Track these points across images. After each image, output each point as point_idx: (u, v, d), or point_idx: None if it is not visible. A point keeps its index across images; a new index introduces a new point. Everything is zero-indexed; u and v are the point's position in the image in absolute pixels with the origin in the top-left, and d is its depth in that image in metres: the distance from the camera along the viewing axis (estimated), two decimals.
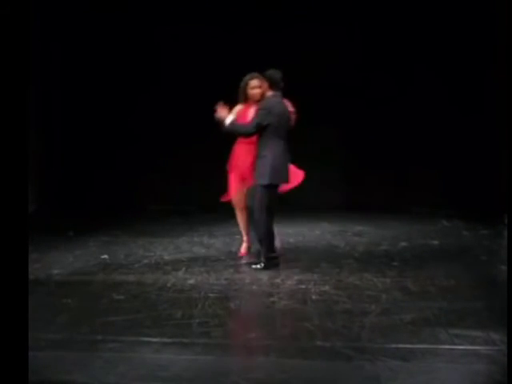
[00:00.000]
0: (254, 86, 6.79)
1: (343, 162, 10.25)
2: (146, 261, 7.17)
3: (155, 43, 10.05)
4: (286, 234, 8.22)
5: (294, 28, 9.77)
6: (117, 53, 10.17)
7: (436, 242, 7.93)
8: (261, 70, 6.78)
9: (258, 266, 6.73)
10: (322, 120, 9.77)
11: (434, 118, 9.85)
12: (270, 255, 6.76)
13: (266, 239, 6.73)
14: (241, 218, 7.14)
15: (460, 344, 4.64)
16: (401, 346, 4.63)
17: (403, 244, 7.84)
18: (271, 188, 6.63)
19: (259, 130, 6.58)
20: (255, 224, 6.78)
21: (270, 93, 6.67)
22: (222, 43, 9.77)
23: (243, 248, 7.27)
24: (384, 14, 9.78)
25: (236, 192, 7.00)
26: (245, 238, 7.23)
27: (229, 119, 6.63)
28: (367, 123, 10.00)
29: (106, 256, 7.39)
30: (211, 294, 5.83)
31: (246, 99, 6.86)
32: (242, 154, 6.90)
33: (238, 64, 7.37)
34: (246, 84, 6.83)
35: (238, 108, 6.87)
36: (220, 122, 6.64)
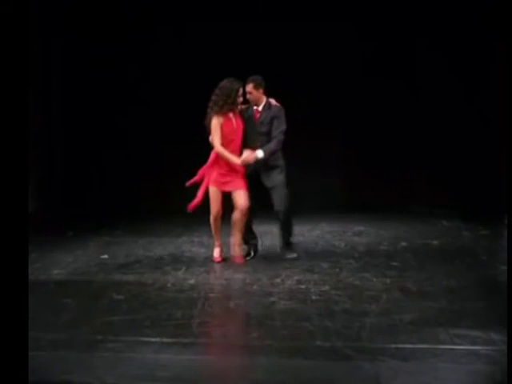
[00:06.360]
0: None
1: (343, 162, 10.24)
2: (145, 261, 7.17)
3: (155, 44, 10.05)
4: None
5: (291, 26, 9.75)
6: (118, 54, 10.18)
7: (436, 242, 7.92)
8: (258, 70, 6.77)
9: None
10: (322, 120, 9.78)
11: (434, 118, 9.85)
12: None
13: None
14: (216, 225, 7.13)
15: (460, 344, 4.63)
16: (401, 346, 4.62)
17: (403, 244, 7.83)
18: None
19: None
20: (289, 221, 7.06)
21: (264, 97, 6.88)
22: (218, 43, 9.78)
23: (218, 252, 7.18)
24: (387, 13, 9.77)
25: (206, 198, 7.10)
26: (218, 243, 7.18)
27: (260, 153, 6.79)
28: (367, 123, 10.00)
29: (106, 256, 7.39)
30: (211, 294, 5.83)
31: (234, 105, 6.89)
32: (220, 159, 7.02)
33: (236, 64, 7.37)
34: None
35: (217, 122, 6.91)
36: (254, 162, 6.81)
